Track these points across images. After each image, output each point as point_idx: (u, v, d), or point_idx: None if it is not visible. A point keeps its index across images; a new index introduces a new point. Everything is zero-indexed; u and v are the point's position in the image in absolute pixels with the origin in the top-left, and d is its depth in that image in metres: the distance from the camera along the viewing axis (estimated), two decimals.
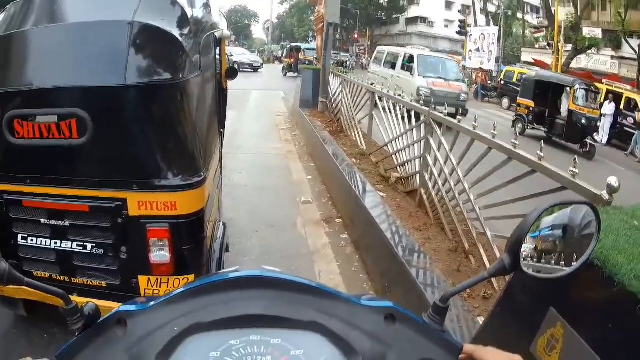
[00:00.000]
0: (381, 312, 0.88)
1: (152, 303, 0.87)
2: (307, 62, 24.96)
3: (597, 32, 24.95)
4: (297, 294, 0.88)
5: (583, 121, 13.16)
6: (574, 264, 0.87)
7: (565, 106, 14.02)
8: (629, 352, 1.37)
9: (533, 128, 15.01)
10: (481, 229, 3.82)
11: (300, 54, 29.45)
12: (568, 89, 13.86)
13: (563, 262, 0.88)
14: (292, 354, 0.81)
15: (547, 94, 15.00)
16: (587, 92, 13.71)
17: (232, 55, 24.92)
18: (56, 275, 2.57)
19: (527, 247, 0.86)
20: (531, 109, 15.01)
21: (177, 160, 2.48)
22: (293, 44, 35.25)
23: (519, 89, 21.58)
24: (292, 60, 29.76)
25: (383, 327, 0.86)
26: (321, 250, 4.89)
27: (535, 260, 0.88)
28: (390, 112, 6.75)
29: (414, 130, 5.62)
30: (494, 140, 3.64)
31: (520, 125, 15.15)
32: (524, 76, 17.94)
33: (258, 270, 0.93)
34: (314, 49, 22.31)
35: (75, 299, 2.53)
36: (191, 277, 2.57)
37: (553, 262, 0.88)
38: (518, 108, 15.68)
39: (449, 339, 0.88)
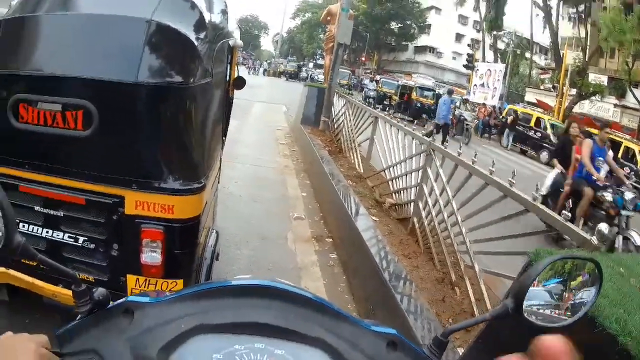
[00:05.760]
0: (384, 338, 0.90)
1: (162, 298, 0.88)
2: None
3: (603, 79, 25.15)
4: (306, 308, 0.90)
5: None
6: (572, 315, 0.90)
7: None
8: None
9: None
10: (469, 262, 3.84)
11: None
12: None
13: (563, 313, 0.91)
14: None
15: None
16: None
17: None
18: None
19: (530, 295, 0.88)
20: None
21: (179, 164, 2.47)
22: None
23: (520, 129, 21.42)
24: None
25: (384, 353, 0.88)
26: (309, 267, 4.88)
27: (537, 308, 0.90)
28: (391, 139, 6.79)
29: (413, 158, 5.66)
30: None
31: None
32: None
33: (271, 280, 0.93)
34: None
35: (61, 290, 2.49)
36: (180, 282, 2.54)
37: (554, 312, 0.91)
38: None
39: None
